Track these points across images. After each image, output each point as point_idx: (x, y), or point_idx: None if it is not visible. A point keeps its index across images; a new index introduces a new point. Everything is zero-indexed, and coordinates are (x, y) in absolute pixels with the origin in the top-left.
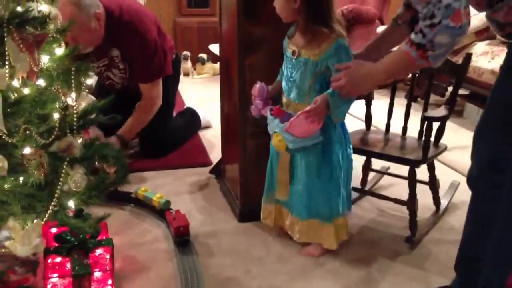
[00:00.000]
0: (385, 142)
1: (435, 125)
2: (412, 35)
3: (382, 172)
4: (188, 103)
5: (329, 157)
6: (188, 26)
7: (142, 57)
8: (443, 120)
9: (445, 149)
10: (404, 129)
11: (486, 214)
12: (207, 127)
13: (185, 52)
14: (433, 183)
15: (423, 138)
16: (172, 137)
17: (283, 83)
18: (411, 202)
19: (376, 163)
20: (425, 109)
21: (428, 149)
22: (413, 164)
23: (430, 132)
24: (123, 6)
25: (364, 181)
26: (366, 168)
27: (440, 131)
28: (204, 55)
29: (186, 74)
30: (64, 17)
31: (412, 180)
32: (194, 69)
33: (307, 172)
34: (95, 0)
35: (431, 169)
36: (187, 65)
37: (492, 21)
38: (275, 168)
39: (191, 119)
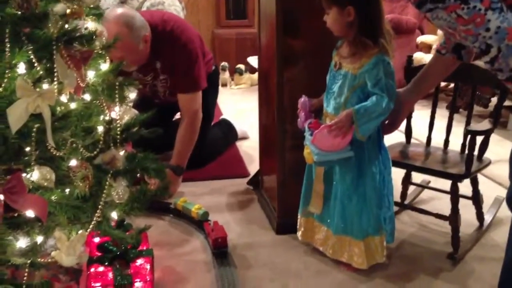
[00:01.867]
0: (426, 156)
1: (479, 138)
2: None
3: (423, 186)
4: (226, 113)
5: (363, 174)
6: (227, 38)
7: (183, 65)
8: (487, 134)
9: (489, 163)
10: (446, 142)
11: None
12: (244, 138)
13: (223, 63)
14: (476, 198)
15: (466, 151)
16: (210, 149)
17: (324, 95)
18: (454, 218)
19: (417, 177)
20: (468, 122)
21: (471, 163)
22: (456, 179)
23: (473, 146)
24: (165, 17)
25: (404, 194)
26: (406, 181)
27: (484, 145)
28: (242, 66)
29: (224, 85)
30: (114, 35)
31: (454, 195)
32: (232, 80)
33: (342, 187)
34: (145, 23)
35: (475, 183)
36: (225, 75)
37: None
38: (310, 180)
39: (228, 130)
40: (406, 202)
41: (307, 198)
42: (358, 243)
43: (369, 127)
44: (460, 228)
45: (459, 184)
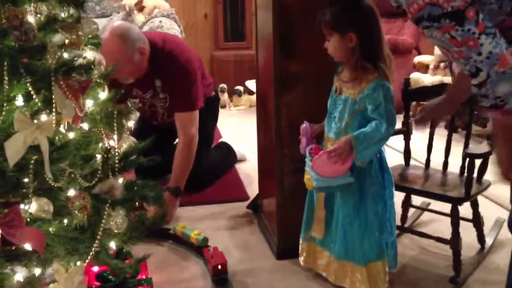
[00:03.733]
0: (426, 178)
1: (478, 161)
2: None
3: (423, 209)
4: (224, 135)
5: (365, 199)
6: (225, 60)
7: (181, 85)
8: (485, 156)
9: (488, 185)
10: (445, 164)
11: None
12: (243, 160)
13: (222, 85)
14: (477, 221)
15: (465, 174)
16: (210, 172)
17: (325, 120)
18: (455, 241)
19: (416, 199)
20: (466, 143)
21: (470, 186)
22: (456, 202)
23: (472, 169)
24: (166, 38)
25: (404, 217)
26: (406, 204)
27: (483, 167)
28: (240, 87)
29: (223, 106)
30: (110, 49)
31: (455, 218)
32: (231, 101)
33: (343, 212)
34: (142, 36)
35: (475, 206)
36: (224, 97)
37: None
38: (312, 206)
39: (227, 153)
40: (406, 225)
41: (309, 223)
42: (360, 269)
43: (368, 153)
44: (462, 251)
45: (459, 206)
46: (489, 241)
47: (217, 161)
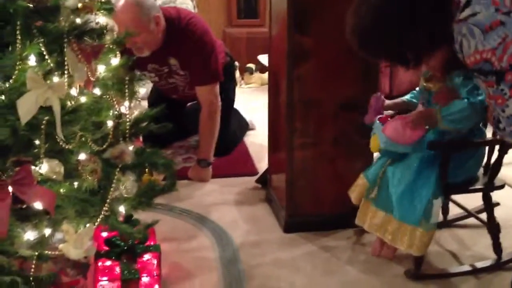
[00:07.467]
0: None
1: None
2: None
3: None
4: None
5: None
6: (238, 37)
7: (200, 58)
8: None
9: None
10: None
11: None
12: (253, 129)
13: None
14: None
15: None
16: (234, 135)
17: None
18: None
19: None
20: None
21: None
22: None
23: None
24: (180, 13)
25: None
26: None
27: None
28: (252, 65)
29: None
30: (125, 16)
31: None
32: (242, 79)
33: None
34: (156, 5)
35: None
36: (236, 74)
37: None
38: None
39: (241, 118)
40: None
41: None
42: (418, 230)
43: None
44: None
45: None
46: None
47: (236, 126)
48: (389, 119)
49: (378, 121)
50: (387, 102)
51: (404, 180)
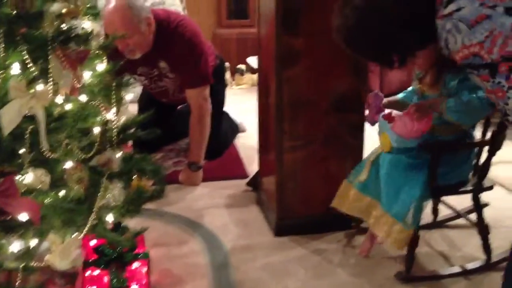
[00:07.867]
0: None
1: None
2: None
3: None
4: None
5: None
6: (227, 38)
7: (190, 61)
8: None
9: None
10: None
11: None
12: (244, 131)
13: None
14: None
15: None
16: (224, 138)
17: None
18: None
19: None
20: None
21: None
22: None
23: None
24: (170, 15)
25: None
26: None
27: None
28: (243, 66)
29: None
30: (117, 18)
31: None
32: (233, 80)
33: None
34: (146, 6)
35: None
36: (226, 76)
37: None
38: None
39: (231, 120)
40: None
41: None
42: (398, 224)
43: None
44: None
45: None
46: None
47: (227, 128)
48: (392, 115)
49: (383, 119)
50: (385, 99)
51: (394, 174)
